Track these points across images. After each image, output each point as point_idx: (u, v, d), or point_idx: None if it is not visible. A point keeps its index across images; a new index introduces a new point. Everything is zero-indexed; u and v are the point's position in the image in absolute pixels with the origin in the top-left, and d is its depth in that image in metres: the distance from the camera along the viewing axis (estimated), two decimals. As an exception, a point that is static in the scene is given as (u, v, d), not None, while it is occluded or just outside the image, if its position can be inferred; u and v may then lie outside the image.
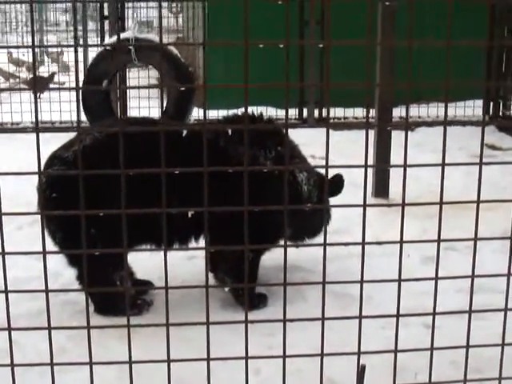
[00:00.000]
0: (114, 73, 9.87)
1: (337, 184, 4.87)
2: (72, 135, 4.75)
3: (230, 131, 4.45)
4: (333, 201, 4.78)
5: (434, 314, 2.39)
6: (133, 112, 10.35)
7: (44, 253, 2.34)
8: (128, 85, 10.52)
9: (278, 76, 7.49)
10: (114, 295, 4.47)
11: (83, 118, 9.17)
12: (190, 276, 5.08)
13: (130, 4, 13.34)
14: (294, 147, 4.90)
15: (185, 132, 4.45)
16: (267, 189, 4.39)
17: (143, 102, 10.47)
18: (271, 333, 4.15)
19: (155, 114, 9.85)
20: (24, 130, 10.04)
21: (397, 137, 7.10)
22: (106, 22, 10.86)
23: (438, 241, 2.29)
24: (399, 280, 2.33)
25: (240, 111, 5.11)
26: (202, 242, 4.63)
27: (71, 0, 14.45)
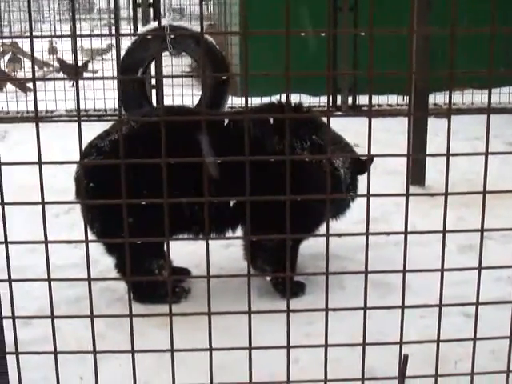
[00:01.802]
0: (149, 61, 9.89)
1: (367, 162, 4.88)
2: (108, 124, 4.75)
3: (271, 120, 4.43)
4: (372, 189, 4.78)
5: (478, 303, 2.37)
6: (167, 100, 10.35)
7: (86, 241, 2.35)
8: (162, 73, 10.54)
9: (310, 63, 7.48)
10: (153, 283, 4.49)
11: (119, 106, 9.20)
12: (227, 264, 5.10)
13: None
14: (331, 133, 4.88)
15: (226, 121, 4.44)
16: (306, 177, 4.38)
17: (177, 89, 10.47)
18: (309, 321, 4.15)
19: (189, 102, 9.85)
20: (63, 120, 10.08)
21: (430, 124, 7.07)
22: (139, 10, 10.88)
23: (482, 230, 2.28)
24: (442, 270, 2.32)
25: (275, 99, 5.08)
26: (239, 231, 4.64)
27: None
